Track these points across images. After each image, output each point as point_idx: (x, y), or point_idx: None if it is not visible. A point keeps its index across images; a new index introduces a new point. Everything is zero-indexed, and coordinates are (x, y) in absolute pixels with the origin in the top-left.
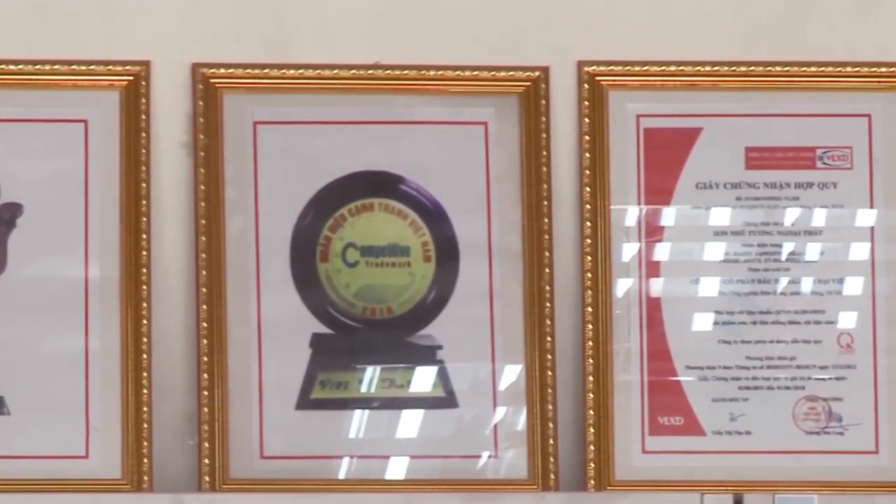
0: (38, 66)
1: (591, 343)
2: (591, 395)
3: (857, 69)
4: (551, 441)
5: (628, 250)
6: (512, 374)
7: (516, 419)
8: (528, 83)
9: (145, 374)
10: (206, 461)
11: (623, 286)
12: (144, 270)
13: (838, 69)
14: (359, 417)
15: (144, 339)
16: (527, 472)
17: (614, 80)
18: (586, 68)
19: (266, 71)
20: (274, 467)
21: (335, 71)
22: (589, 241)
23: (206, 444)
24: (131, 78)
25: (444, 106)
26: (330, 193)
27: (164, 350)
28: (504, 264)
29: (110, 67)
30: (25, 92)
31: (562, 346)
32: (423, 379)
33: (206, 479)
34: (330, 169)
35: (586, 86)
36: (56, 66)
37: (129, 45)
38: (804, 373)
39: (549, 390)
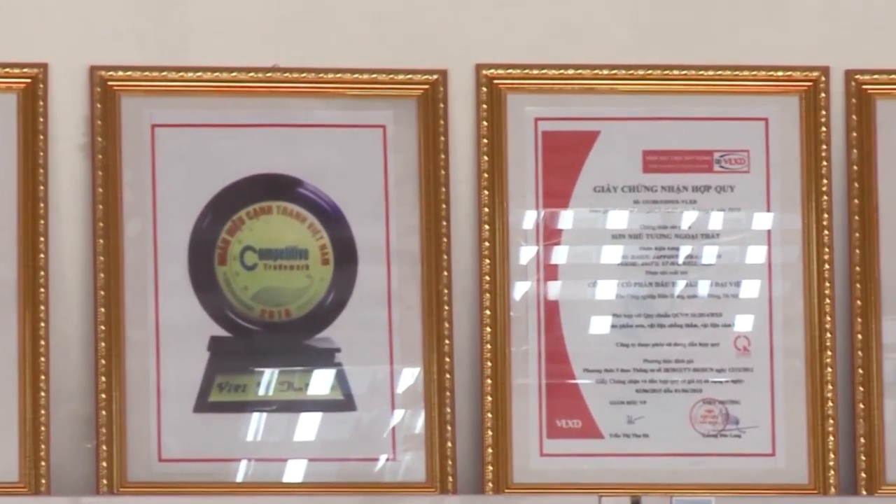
0: None
1: (489, 346)
2: (489, 398)
3: (754, 73)
4: (449, 444)
5: (526, 253)
6: (410, 376)
7: (414, 422)
8: (426, 86)
9: (43, 376)
10: (104, 464)
11: (521, 289)
12: (42, 273)
13: (735, 73)
14: (257, 420)
15: (42, 342)
16: (425, 474)
17: (512, 84)
18: (484, 71)
19: (164, 73)
20: (172, 470)
21: (233, 73)
22: (487, 244)
23: (104, 447)
24: (29, 80)
25: (342, 109)
26: (228, 196)
27: (62, 353)
28: (402, 267)
29: (7, 70)
30: None
31: (460, 348)
32: (321, 382)
33: (104, 481)
34: (228, 172)
35: (484, 89)
36: None
37: (27, 48)
38: (701, 375)
39: (448, 393)
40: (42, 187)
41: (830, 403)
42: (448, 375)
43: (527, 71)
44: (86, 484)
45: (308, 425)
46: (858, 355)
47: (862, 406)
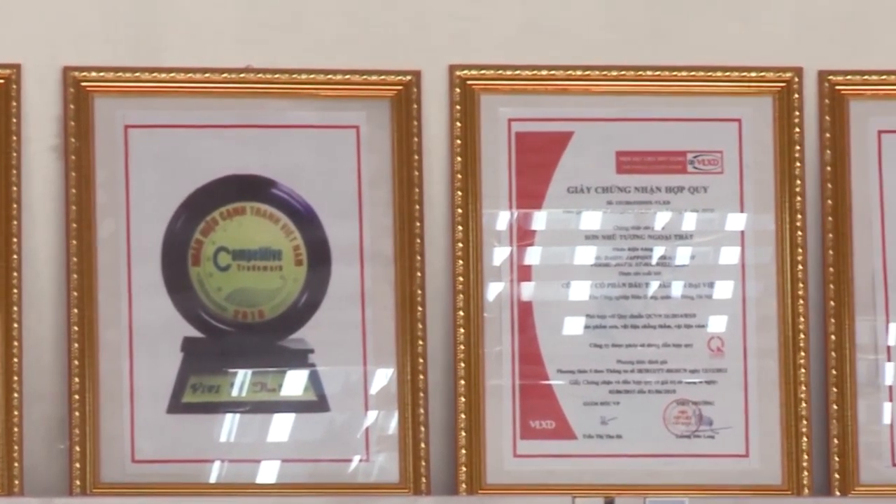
0: None
1: (462, 347)
2: (463, 399)
3: (727, 74)
4: (423, 445)
5: (500, 254)
6: (383, 377)
7: (388, 423)
8: (399, 87)
9: (16, 377)
10: (78, 465)
11: (494, 290)
12: (15, 274)
13: (709, 74)
14: (230, 421)
15: (15, 343)
16: (398, 475)
17: (486, 85)
18: (458, 73)
19: (137, 74)
20: (145, 471)
21: (206, 74)
22: (460, 244)
23: (78, 448)
24: (1, 81)
25: (315, 110)
26: (201, 197)
27: (35, 354)
28: (376, 268)
29: None
30: None
31: (433, 349)
32: (294, 382)
33: (77, 482)
34: (201, 172)
35: (458, 90)
36: None
37: None
38: (675, 376)
39: (421, 394)
40: (15, 188)
41: (804, 404)
42: (421, 376)
43: (500, 72)
44: (59, 485)
45: (281, 426)
46: (832, 356)
47: (835, 407)
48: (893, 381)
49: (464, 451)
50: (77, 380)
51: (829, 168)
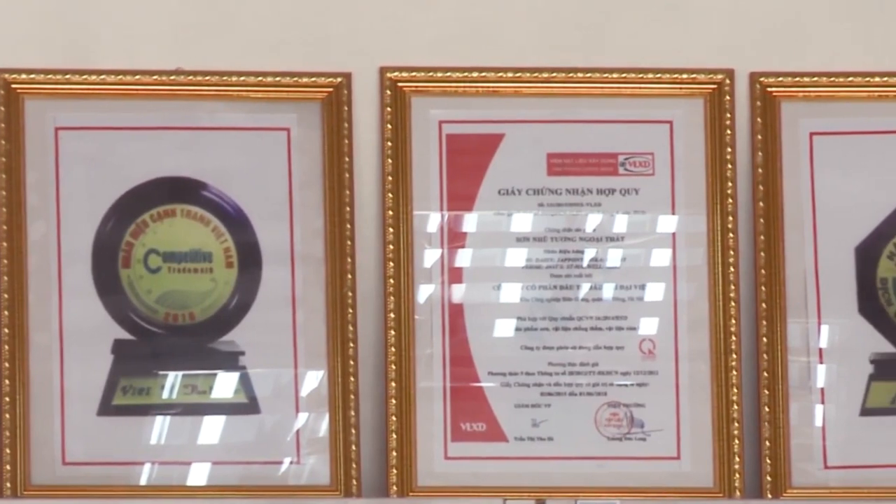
0: None
1: (393, 349)
2: (394, 401)
3: (658, 76)
4: (354, 447)
5: (430, 256)
6: (314, 379)
7: (318, 425)
8: (330, 89)
9: None
10: (8, 467)
11: (425, 292)
12: None
13: (640, 76)
14: (160, 423)
15: None
16: (329, 478)
17: (417, 87)
18: (389, 74)
19: (68, 76)
20: (76, 473)
21: (137, 76)
22: (391, 246)
23: (8, 451)
24: None
25: (246, 112)
26: (132, 199)
27: None
28: (307, 270)
29: None
30: None
31: (364, 352)
32: (225, 385)
33: (8, 485)
34: (132, 175)
35: (389, 92)
36: None
37: None
38: (606, 379)
39: (352, 396)
40: None
41: (735, 406)
42: (352, 378)
43: (431, 73)
44: None
45: (212, 428)
46: (763, 358)
47: (767, 409)
48: (825, 384)
49: (395, 454)
50: (7, 382)
51: (760, 170)
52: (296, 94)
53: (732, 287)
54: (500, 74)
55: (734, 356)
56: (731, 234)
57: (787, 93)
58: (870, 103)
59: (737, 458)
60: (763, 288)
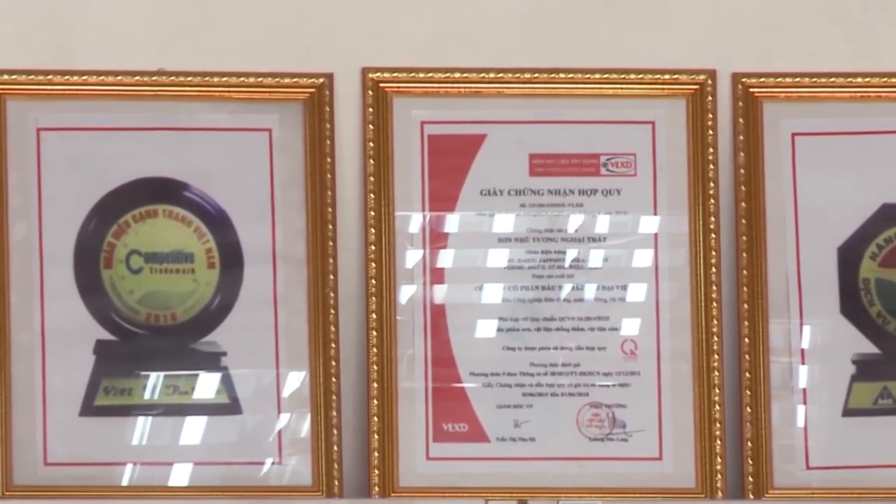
0: None
1: (375, 350)
2: (376, 402)
3: (640, 76)
4: (335, 447)
5: (412, 257)
6: (296, 380)
7: (300, 426)
8: (312, 90)
9: None
10: None
11: (407, 293)
12: None
13: (622, 76)
14: (142, 424)
15: None
16: (311, 478)
17: (398, 87)
18: (370, 75)
19: (50, 77)
20: (58, 474)
21: (119, 77)
22: (373, 247)
23: None
24: None
25: (228, 112)
26: (114, 200)
27: None
28: (288, 271)
29: None
30: None
31: (346, 352)
32: (207, 385)
33: None
34: (114, 175)
35: (371, 92)
36: None
37: None
38: (588, 379)
39: (334, 397)
40: None
41: (717, 407)
42: (334, 379)
43: (413, 74)
44: None
45: (194, 429)
46: (745, 359)
47: (749, 410)
48: (807, 384)
49: (376, 454)
50: None
51: (742, 170)
52: (278, 94)
53: (714, 288)
54: (482, 75)
55: (716, 357)
56: (713, 235)
57: (769, 93)
58: (852, 104)
59: (719, 459)
60: (745, 288)
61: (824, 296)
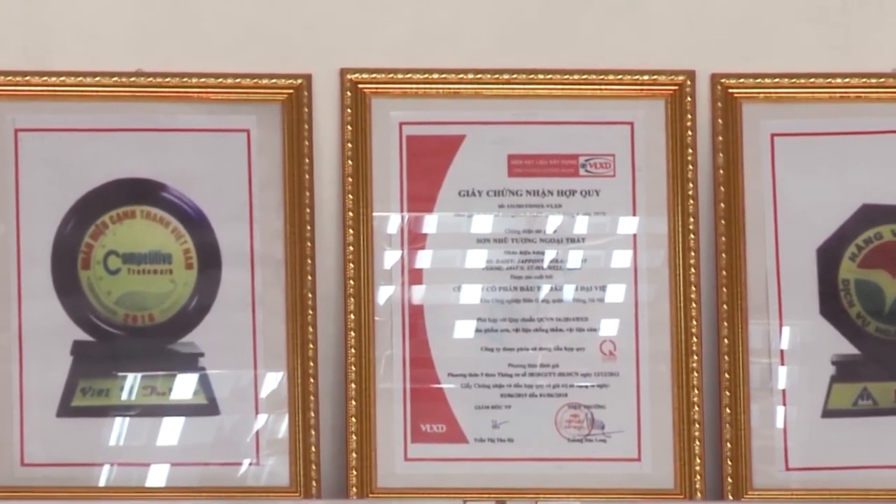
0: None
1: (353, 350)
2: (354, 403)
3: (619, 77)
4: (313, 448)
5: (391, 257)
6: (274, 381)
7: (278, 426)
8: (290, 91)
9: None
10: None
11: (385, 293)
12: None
13: (601, 77)
14: (120, 425)
15: None
16: (289, 479)
17: (377, 88)
18: (349, 76)
19: (27, 78)
20: (35, 475)
21: (97, 78)
22: (351, 248)
23: None
24: None
25: (206, 113)
26: (91, 201)
27: None
28: (266, 272)
29: None
30: None
31: (324, 353)
32: (184, 386)
33: None
34: (92, 176)
35: (349, 93)
36: None
37: None
38: (567, 380)
39: (311, 397)
40: None
41: (696, 408)
42: (312, 380)
43: (391, 75)
44: None
45: (171, 430)
46: (725, 360)
47: (728, 411)
48: (786, 385)
49: (354, 455)
50: None
51: (721, 171)
52: (256, 95)
53: (693, 288)
54: (460, 76)
55: (695, 357)
56: (692, 236)
57: (748, 94)
58: (831, 104)
59: (698, 460)
60: (724, 289)
61: (804, 297)
